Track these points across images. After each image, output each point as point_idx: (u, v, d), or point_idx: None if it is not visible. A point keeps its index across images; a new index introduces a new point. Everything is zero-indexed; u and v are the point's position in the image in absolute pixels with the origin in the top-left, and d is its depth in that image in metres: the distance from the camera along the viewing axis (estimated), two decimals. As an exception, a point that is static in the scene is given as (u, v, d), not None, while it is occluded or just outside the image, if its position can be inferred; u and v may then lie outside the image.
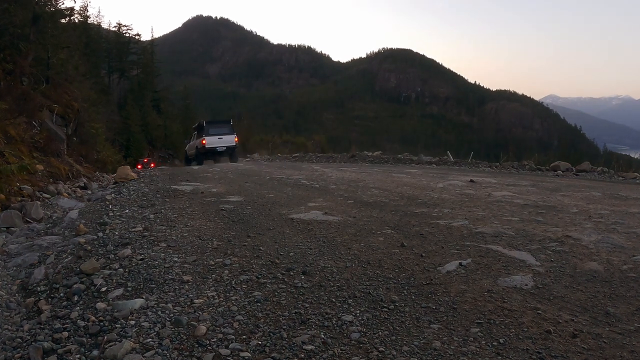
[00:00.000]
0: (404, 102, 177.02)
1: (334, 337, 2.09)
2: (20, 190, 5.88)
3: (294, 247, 3.44)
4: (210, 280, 2.76)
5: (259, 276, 2.82)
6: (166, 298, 2.50)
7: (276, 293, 2.57)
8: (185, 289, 2.62)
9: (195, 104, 58.69)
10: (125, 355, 1.93)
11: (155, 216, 4.60)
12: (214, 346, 2.01)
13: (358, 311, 2.34)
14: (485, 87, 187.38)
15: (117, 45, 45.59)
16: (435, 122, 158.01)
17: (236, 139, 16.30)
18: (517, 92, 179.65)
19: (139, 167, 23.51)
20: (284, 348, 1.99)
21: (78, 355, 1.98)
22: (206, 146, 14.89)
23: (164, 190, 6.51)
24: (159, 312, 2.32)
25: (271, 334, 2.12)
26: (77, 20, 30.31)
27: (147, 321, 2.23)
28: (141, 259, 3.12)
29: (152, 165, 26.39)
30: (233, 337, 2.09)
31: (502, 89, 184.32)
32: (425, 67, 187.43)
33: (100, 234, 3.86)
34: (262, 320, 2.25)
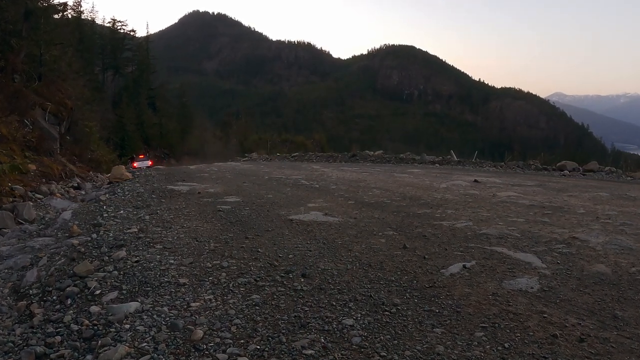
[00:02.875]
0: (406, 100, 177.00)
1: (334, 341, 2.09)
2: (11, 191, 5.87)
3: (293, 249, 3.44)
4: (207, 283, 2.76)
5: (258, 279, 2.82)
6: (162, 301, 2.50)
7: (275, 296, 2.57)
8: (182, 292, 2.61)
9: (192, 102, 58.64)
10: (120, 360, 1.93)
11: (151, 217, 4.59)
12: (211, 351, 2.01)
13: (359, 315, 2.34)
14: (489, 84, 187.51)
15: (112, 42, 45.57)
16: (438, 121, 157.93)
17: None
18: (523, 89, 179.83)
19: (134, 165, 25.25)
20: (283, 353, 1.99)
21: (71, 360, 1.98)
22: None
23: (159, 191, 6.50)
24: (155, 316, 2.32)
25: (270, 338, 2.11)
26: (70, 16, 30.28)
27: (142, 325, 2.23)
28: (136, 261, 3.12)
29: (149, 163, 26.96)
30: (231, 341, 2.09)
31: (507, 86, 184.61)
32: (428, 64, 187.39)
33: (94, 236, 3.85)
34: (260, 324, 2.25)
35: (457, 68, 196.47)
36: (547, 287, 2.69)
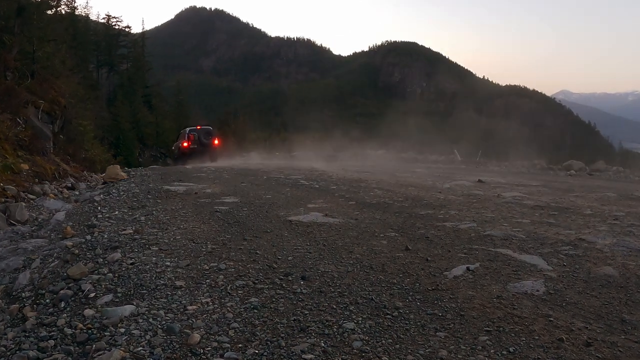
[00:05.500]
0: (409, 98, 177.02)
1: (334, 345, 2.09)
2: (4, 191, 5.87)
3: (292, 251, 3.44)
4: (205, 285, 2.76)
5: (256, 281, 2.82)
6: (158, 304, 2.50)
7: (274, 299, 2.57)
8: (178, 295, 2.61)
9: (188, 100, 58.68)
10: (115, 364, 1.93)
11: (147, 218, 4.59)
12: (208, 355, 2.01)
13: (360, 318, 2.34)
14: (494, 82, 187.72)
15: (106, 38, 45.60)
16: (442, 119, 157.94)
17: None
18: (528, 87, 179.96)
19: (186, 145, 18.17)
20: (282, 357, 1.99)
21: (65, 365, 1.98)
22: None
23: (155, 191, 6.50)
24: (151, 320, 2.32)
25: (268, 342, 2.11)
26: (64, 12, 30.31)
27: (137, 329, 2.23)
28: (131, 263, 3.12)
29: (215, 143, 18.59)
30: (228, 345, 2.09)
31: (512, 84, 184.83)
32: (431, 61, 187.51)
33: (89, 237, 3.85)
34: (259, 327, 2.25)
35: (461, 65, 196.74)
36: (553, 290, 2.69)
